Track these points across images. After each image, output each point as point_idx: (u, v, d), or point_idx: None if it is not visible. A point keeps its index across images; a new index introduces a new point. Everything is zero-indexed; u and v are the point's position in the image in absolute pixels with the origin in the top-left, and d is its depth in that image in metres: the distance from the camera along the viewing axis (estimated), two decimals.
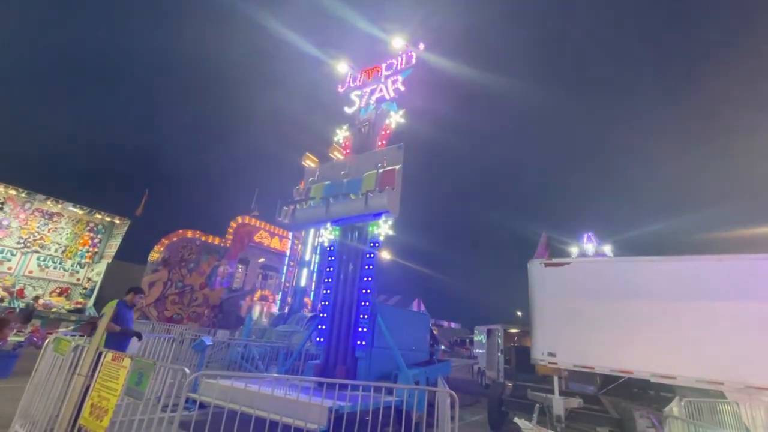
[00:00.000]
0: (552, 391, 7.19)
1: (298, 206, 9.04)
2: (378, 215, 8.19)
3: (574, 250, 21.36)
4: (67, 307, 16.47)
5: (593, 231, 21.94)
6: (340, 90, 11.37)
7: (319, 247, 21.93)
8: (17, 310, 14.23)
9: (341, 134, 10.70)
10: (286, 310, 20.93)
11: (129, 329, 5.95)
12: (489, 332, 15.90)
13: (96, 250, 18.74)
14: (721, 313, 7.34)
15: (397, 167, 8.17)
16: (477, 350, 19.71)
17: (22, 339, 9.32)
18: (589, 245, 21.32)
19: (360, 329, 7.82)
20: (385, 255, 22.50)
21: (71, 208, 17.72)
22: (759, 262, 7.42)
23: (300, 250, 22.79)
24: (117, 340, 5.61)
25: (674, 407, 5.43)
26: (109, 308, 5.45)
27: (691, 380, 7.14)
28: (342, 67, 11.64)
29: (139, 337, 6.08)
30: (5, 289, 15.39)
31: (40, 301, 15.92)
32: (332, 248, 9.31)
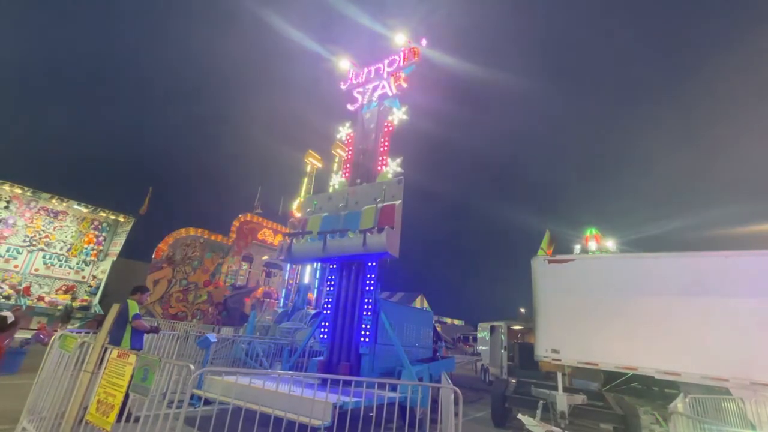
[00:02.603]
0: (556, 388, 7.18)
1: (294, 241, 8.54)
2: (376, 256, 7.87)
3: (578, 246, 21.27)
4: (73, 304, 16.60)
5: (597, 227, 21.84)
6: (343, 87, 11.35)
7: None
8: (24, 307, 14.36)
9: (344, 131, 10.69)
10: (290, 307, 21.01)
11: (156, 326, 6.75)
12: (492, 329, 15.89)
13: (101, 247, 18.85)
14: (726, 309, 7.29)
15: (396, 203, 7.84)
16: (480, 347, 19.71)
17: (28, 336, 9.41)
18: (592, 242, 21.22)
19: (363, 326, 7.83)
20: None
21: (76, 207, 17.83)
22: (764, 258, 7.36)
23: None
24: (140, 338, 6.21)
25: (679, 404, 5.41)
26: (133, 307, 6.07)
27: (696, 377, 7.12)
28: (344, 64, 11.61)
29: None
30: (12, 286, 15.53)
31: (46, 299, 16.07)
32: None
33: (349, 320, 8.08)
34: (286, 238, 8.81)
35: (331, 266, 9.06)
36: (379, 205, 7.93)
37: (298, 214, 17.62)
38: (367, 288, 8.08)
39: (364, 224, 7.81)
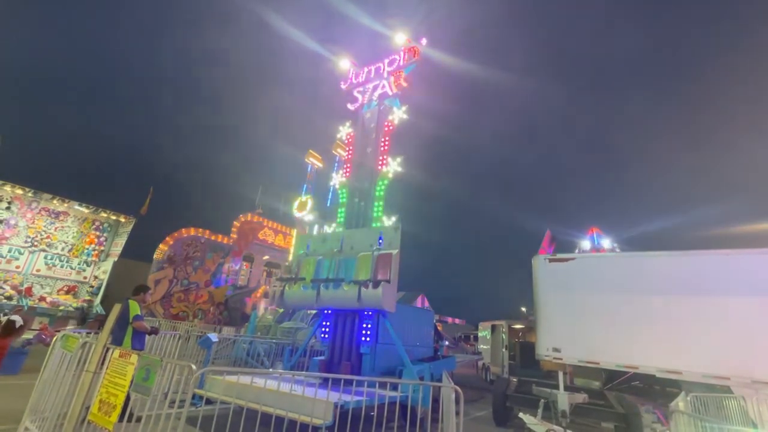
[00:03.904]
0: (557, 387, 7.19)
1: (287, 287, 8.30)
2: (372, 312, 7.76)
3: (583, 244, 21.15)
4: (74, 304, 16.65)
5: (599, 226, 21.75)
6: (343, 86, 11.35)
7: None
8: (26, 308, 14.39)
9: (344, 131, 10.70)
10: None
11: (155, 328, 6.68)
12: (493, 328, 15.89)
13: (102, 248, 18.88)
14: (727, 307, 7.28)
15: (394, 252, 7.49)
16: (481, 346, 19.73)
17: (30, 336, 9.43)
18: (594, 241, 21.13)
19: (364, 325, 7.84)
20: None
21: (77, 207, 17.86)
22: (765, 257, 7.35)
23: None
24: (141, 338, 6.24)
25: (680, 402, 5.42)
26: (134, 308, 6.08)
27: (697, 375, 7.11)
28: (344, 64, 11.61)
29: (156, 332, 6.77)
30: (14, 287, 15.57)
31: (48, 299, 16.10)
32: None
33: (351, 319, 8.10)
34: (279, 283, 8.59)
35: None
36: (376, 254, 7.60)
37: (298, 215, 17.61)
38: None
39: (359, 274, 7.50)
